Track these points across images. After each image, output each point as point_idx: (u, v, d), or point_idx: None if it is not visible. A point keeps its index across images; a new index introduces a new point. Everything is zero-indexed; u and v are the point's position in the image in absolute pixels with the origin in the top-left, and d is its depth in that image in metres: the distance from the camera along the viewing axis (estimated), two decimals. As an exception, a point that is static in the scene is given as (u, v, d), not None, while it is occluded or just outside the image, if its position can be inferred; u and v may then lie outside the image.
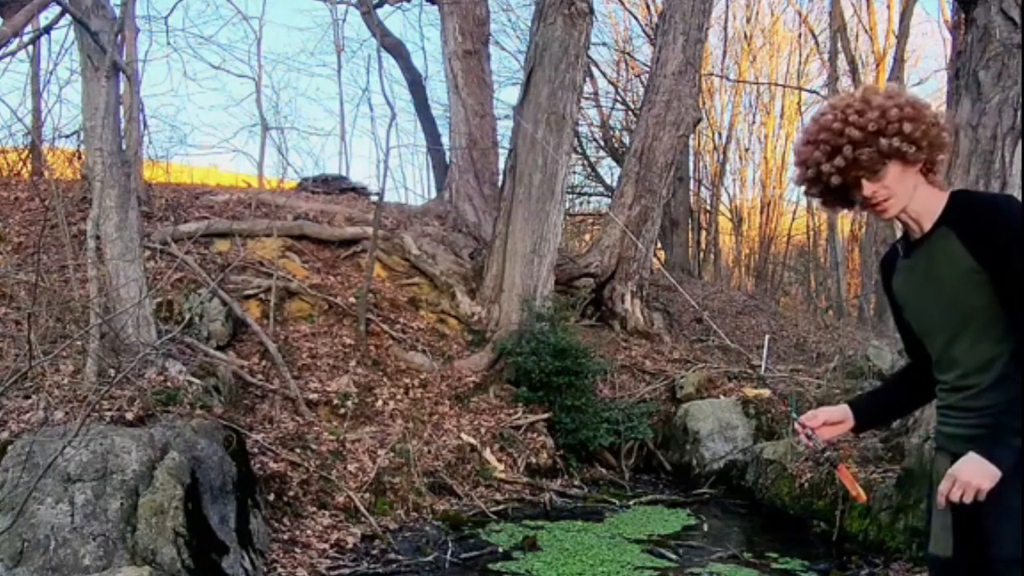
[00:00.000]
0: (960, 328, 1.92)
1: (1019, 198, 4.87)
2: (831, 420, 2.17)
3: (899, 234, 2.13)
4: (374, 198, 9.89)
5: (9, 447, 3.68)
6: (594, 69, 15.73)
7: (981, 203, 1.93)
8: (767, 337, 9.10)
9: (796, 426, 2.17)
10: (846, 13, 14.59)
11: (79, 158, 8.39)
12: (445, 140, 11.44)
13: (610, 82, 17.20)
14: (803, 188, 2.03)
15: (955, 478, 1.82)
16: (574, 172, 16.60)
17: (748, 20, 17.86)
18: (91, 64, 5.12)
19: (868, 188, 1.90)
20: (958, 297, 1.91)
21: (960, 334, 1.92)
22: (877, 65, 16.02)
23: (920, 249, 1.98)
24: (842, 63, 13.77)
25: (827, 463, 2.04)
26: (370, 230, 7.59)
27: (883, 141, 1.86)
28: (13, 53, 6.12)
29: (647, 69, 12.35)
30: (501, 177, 8.87)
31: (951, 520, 1.93)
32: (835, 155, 1.88)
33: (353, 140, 43.49)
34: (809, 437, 2.14)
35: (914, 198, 1.94)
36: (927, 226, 1.95)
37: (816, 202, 2.12)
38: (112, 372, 4.38)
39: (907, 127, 1.86)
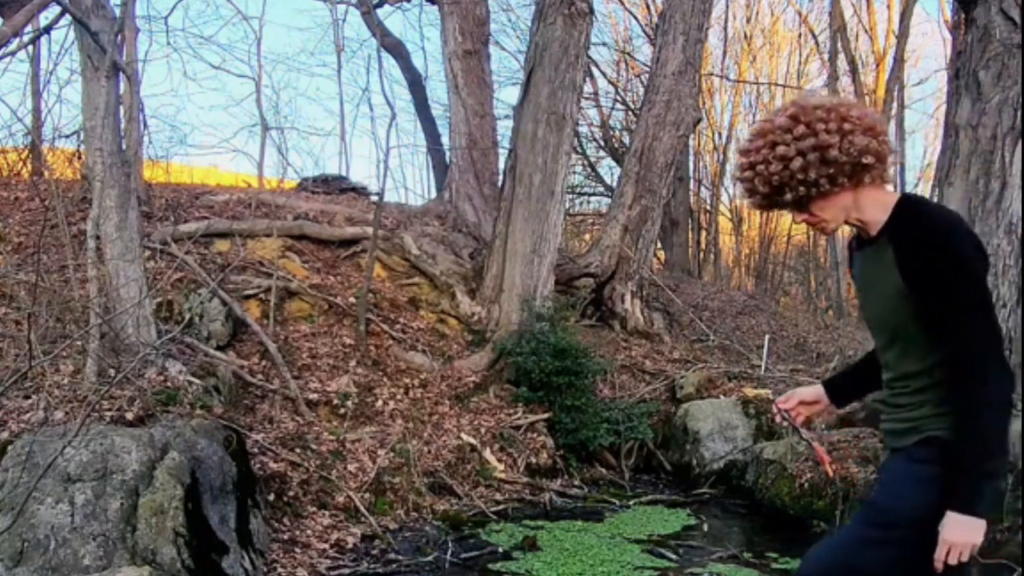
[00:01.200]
0: (889, 337, 1.95)
1: (1019, 198, 4.84)
2: (806, 400, 2.21)
3: None
4: (374, 198, 9.89)
5: (9, 447, 3.69)
6: (594, 69, 15.73)
7: (924, 225, 1.84)
8: (767, 337, 9.10)
9: (774, 408, 2.21)
10: (846, 13, 14.59)
11: (79, 158, 8.39)
12: (445, 140, 11.44)
13: (610, 82, 17.20)
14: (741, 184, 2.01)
15: (949, 544, 1.79)
16: (574, 172, 16.60)
17: (748, 20, 17.86)
18: (91, 64, 5.12)
19: (798, 218, 1.92)
20: (887, 310, 1.92)
21: (892, 341, 1.95)
22: (877, 65, 16.02)
23: (869, 249, 1.97)
24: (842, 63, 13.75)
25: (805, 443, 2.12)
26: (370, 230, 7.59)
27: (789, 178, 1.84)
28: (13, 53, 6.12)
29: (647, 69, 12.35)
30: (501, 177, 8.87)
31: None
32: (753, 194, 1.91)
33: (353, 140, 43.53)
34: (785, 419, 2.18)
35: (856, 208, 1.91)
36: (873, 232, 1.93)
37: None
38: (112, 372, 4.38)
39: (812, 156, 1.81)
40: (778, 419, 2.21)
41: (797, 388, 2.26)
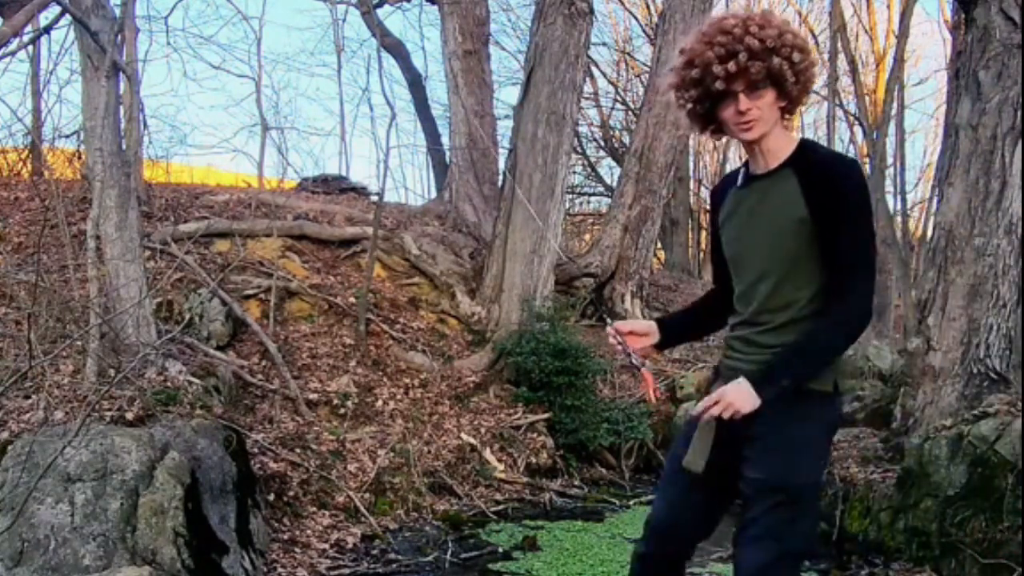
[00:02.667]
0: (771, 267, 2.00)
1: (1019, 198, 4.87)
2: (638, 331, 2.25)
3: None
4: (374, 198, 9.89)
5: (9, 447, 3.68)
6: (594, 69, 15.74)
7: (830, 160, 1.98)
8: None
9: (608, 329, 2.24)
10: (846, 13, 14.56)
11: (79, 158, 8.39)
12: (445, 140, 11.44)
13: (610, 82, 17.20)
14: (677, 92, 2.03)
15: (720, 395, 1.93)
16: (574, 172, 16.60)
17: (748, 20, 17.83)
18: (91, 64, 5.12)
19: (744, 103, 1.93)
20: (779, 238, 1.97)
21: (769, 272, 2.00)
22: (877, 65, 16.00)
23: (758, 183, 2.04)
24: (842, 63, 13.74)
25: (636, 369, 2.17)
26: (370, 230, 7.59)
27: (775, 60, 1.90)
28: (13, 53, 6.13)
29: (647, 69, 12.34)
30: (501, 177, 8.87)
31: (710, 444, 2.08)
32: (728, 59, 1.89)
33: (353, 140, 43.55)
34: (619, 342, 2.21)
35: (773, 128, 1.99)
36: (772, 164, 2.01)
37: (680, 116, 2.13)
38: (112, 372, 4.38)
39: (796, 56, 1.91)
40: (612, 340, 2.24)
41: (635, 320, 2.32)
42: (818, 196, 1.91)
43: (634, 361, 2.19)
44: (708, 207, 2.34)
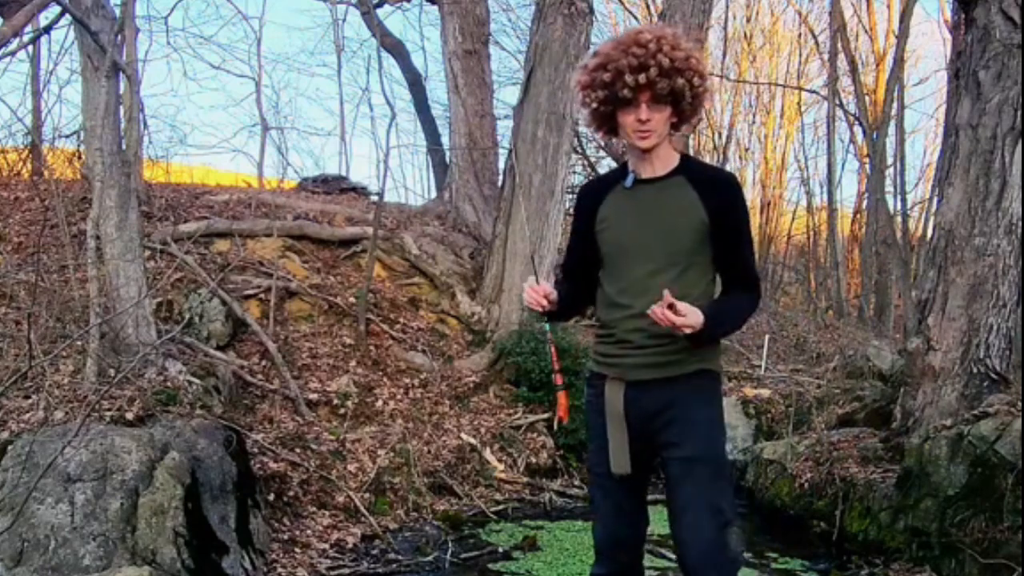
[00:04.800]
0: (668, 263, 2.17)
1: (1019, 198, 4.87)
2: (545, 291, 2.37)
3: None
4: (374, 198, 9.89)
5: (9, 447, 3.68)
6: (594, 69, 15.71)
7: (720, 174, 2.33)
8: (767, 337, 9.10)
9: (525, 285, 2.39)
10: (846, 13, 14.56)
11: (79, 158, 8.38)
12: (445, 140, 11.43)
13: (610, 82, 17.17)
14: (584, 91, 2.18)
15: (686, 318, 2.05)
16: (574, 172, 16.58)
17: (748, 20, 17.84)
18: (91, 64, 5.12)
19: (645, 113, 2.10)
20: (679, 237, 2.17)
21: (666, 267, 2.17)
22: (877, 65, 16.00)
23: (650, 186, 2.22)
24: (842, 63, 13.74)
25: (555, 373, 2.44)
26: (370, 230, 7.59)
27: (679, 80, 2.08)
28: (13, 53, 6.13)
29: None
30: (501, 177, 8.86)
31: (627, 442, 2.21)
32: (640, 71, 2.05)
33: (353, 140, 43.60)
34: (553, 360, 2.48)
35: (661, 144, 2.19)
36: (661, 171, 2.21)
37: (582, 115, 2.32)
38: (112, 372, 4.38)
39: (696, 80, 2.11)
40: (527, 297, 2.39)
41: (546, 284, 2.41)
42: (716, 204, 2.15)
43: (557, 381, 2.42)
44: (577, 201, 2.48)
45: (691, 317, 2.05)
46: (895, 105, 11.56)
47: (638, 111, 2.10)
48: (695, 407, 2.17)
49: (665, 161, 2.21)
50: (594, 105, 2.17)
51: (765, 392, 6.95)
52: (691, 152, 16.03)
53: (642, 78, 2.04)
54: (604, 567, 2.34)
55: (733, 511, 2.22)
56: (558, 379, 2.42)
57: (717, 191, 2.18)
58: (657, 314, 2.05)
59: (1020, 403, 4.23)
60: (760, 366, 8.22)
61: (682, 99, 2.11)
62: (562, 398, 2.38)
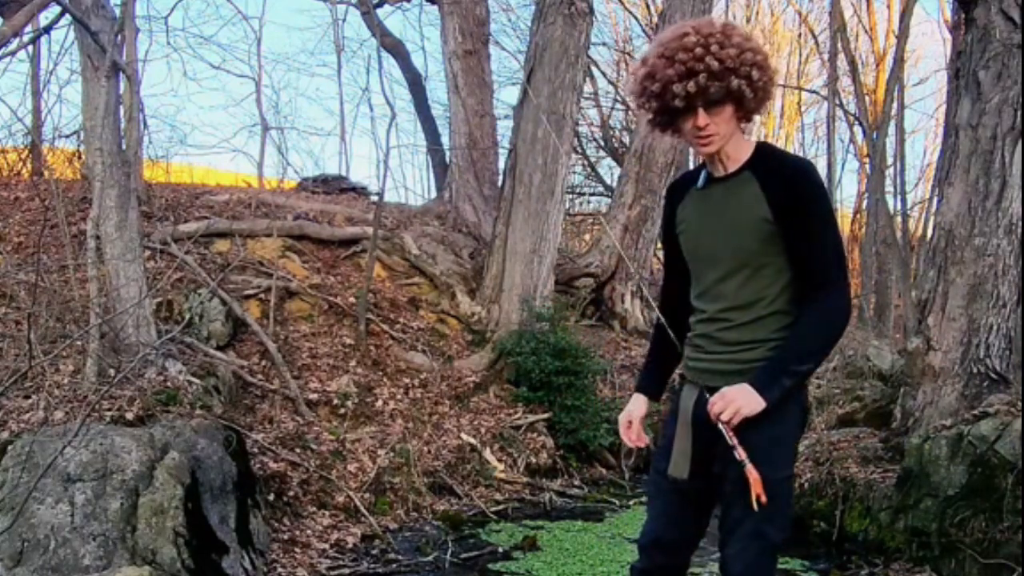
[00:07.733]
0: (736, 266, 2.05)
1: (1019, 198, 4.87)
2: (643, 415, 2.31)
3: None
4: (374, 198, 9.89)
5: (9, 447, 3.68)
6: (594, 69, 15.72)
7: (788, 162, 2.06)
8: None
9: (625, 438, 2.33)
10: (846, 13, 14.55)
11: (79, 158, 8.39)
12: (445, 140, 11.43)
13: (610, 82, 17.17)
14: (639, 101, 2.06)
15: (723, 397, 1.96)
16: (574, 172, 16.59)
17: (748, 20, 17.84)
18: (91, 64, 5.12)
19: (703, 119, 1.97)
20: (743, 238, 2.03)
21: (735, 271, 2.05)
22: (877, 65, 16.00)
23: (720, 185, 2.09)
24: (842, 63, 13.73)
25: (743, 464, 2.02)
26: (370, 230, 7.59)
27: (734, 80, 1.93)
28: (13, 53, 6.13)
29: (647, 69, 12.30)
30: (501, 177, 8.86)
31: (690, 448, 2.11)
32: (688, 78, 1.92)
33: (353, 140, 43.56)
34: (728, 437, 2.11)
35: (732, 138, 2.04)
36: (731, 168, 2.07)
37: (644, 120, 2.19)
38: (112, 372, 4.38)
39: (755, 74, 1.94)
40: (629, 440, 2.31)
41: (631, 411, 2.31)
42: (779, 197, 1.98)
43: (738, 456, 2.02)
44: (665, 202, 2.34)
45: (735, 396, 1.94)
46: (895, 105, 11.55)
47: (695, 118, 1.96)
48: (758, 424, 1.97)
49: (736, 156, 2.06)
50: (650, 115, 2.06)
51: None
52: (691, 150, 16.04)
53: (691, 86, 1.90)
54: (641, 563, 2.28)
55: (781, 533, 2.09)
56: (740, 454, 1.99)
57: (782, 183, 1.98)
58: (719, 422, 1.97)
59: (1020, 403, 4.23)
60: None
61: (743, 97, 1.95)
62: (751, 472, 1.99)
